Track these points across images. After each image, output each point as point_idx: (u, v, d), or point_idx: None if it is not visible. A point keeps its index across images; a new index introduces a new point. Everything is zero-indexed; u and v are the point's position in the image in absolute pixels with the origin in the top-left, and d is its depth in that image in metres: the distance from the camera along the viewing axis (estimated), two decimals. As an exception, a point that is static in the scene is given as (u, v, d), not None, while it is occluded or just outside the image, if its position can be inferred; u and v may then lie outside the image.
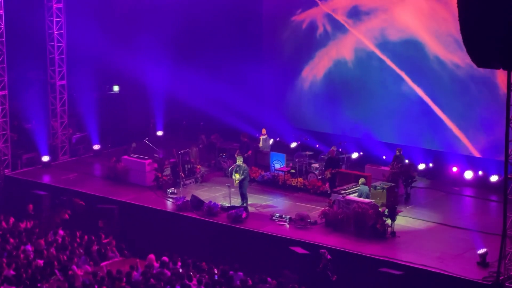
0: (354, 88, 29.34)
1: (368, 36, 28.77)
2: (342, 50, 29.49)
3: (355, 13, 28.99)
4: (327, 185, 25.63)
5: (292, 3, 30.54)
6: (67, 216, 24.69)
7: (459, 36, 13.39)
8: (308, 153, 27.61)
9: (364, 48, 28.86)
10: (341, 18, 29.37)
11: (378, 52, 28.66)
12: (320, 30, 29.91)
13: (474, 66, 15.77)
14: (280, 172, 26.91)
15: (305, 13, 30.21)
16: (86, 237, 22.98)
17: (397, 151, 26.23)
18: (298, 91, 30.62)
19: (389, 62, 28.42)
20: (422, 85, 27.74)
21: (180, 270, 20.11)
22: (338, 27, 29.41)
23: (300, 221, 23.28)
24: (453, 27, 24.96)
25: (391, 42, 28.16)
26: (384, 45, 28.36)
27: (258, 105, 30.76)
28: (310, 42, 30.19)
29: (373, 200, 23.06)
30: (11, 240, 22.18)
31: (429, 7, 27.31)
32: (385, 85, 28.49)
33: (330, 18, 29.60)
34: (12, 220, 24.30)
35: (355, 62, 29.18)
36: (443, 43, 27.01)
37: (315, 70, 30.21)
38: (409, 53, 27.77)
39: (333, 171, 25.33)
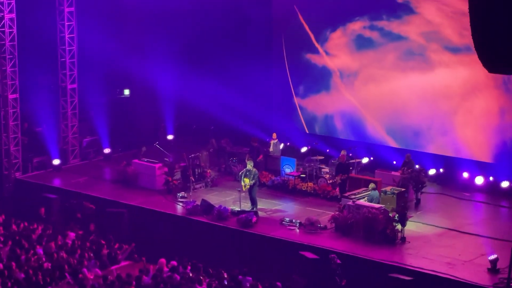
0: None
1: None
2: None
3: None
4: (337, 190, 25.61)
5: (301, 7, 30.60)
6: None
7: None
8: (318, 158, 27.58)
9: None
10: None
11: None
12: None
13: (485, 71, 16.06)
14: (290, 177, 26.89)
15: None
16: (96, 240, 23.01)
17: (406, 158, 26.20)
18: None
19: (397, 66, 28.44)
20: (432, 89, 27.71)
21: (190, 274, 20.11)
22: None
23: (310, 225, 23.26)
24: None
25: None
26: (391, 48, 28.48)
27: (268, 110, 30.78)
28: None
29: (383, 205, 23.02)
30: (22, 243, 22.20)
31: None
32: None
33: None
34: (22, 223, 24.35)
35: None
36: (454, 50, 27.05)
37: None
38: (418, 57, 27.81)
39: (343, 177, 25.29)
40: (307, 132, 30.77)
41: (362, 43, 29.45)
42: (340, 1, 30.22)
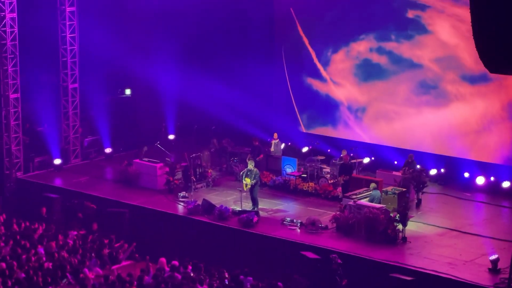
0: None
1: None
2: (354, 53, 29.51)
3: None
4: (339, 189, 25.60)
5: (303, 5, 30.55)
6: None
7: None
8: (319, 157, 27.58)
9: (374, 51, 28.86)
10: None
11: (389, 57, 28.48)
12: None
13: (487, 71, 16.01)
14: (292, 177, 26.90)
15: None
16: (97, 240, 23.02)
17: (409, 158, 26.19)
18: (310, 96, 30.57)
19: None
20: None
21: (191, 274, 20.11)
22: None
23: (311, 225, 23.26)
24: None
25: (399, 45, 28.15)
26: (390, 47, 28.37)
27: (269, 110, 30.78)
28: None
29: (384, 205, 23.02)
30: (23, 242, 22.22)
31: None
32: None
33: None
34: (23, 223, 24.36)
35: (367, 66, 29.05)
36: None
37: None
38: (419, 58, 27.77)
39: (345, 179, 25.27)
40: (304, 131, 30.70)
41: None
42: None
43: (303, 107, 30.79)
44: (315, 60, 30.14)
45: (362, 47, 29.00)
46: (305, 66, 30.50)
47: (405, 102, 28.22)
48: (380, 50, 28.56)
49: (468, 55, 26.19)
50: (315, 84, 30.27)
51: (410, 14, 27.70)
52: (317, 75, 30.23)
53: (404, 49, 28.01)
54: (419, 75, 27.75)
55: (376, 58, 28.75)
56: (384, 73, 28.54)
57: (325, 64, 29.98)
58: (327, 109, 29.96)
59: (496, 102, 25.98)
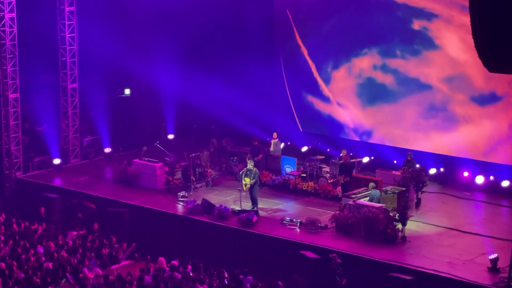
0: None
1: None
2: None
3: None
4: (338, 189, 25.60)
5: (300, 11, 30.49)
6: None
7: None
8: (319, 157, 27.57)
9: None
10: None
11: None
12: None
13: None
14: (291, 176, 26.90)
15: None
16: (97, 240, 23.02)
17: (408, 156, 26.19)
18: (310, 95, 30.56)
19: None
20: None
21: (191, 274, 20.11)
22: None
23: (310, 225, 23.27)
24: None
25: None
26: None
27: (269, 109, 30.77)
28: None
29: (384, 205, 23.03)
30: (22, 242, 22.22)
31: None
32: (397, 89, 28.29)
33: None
34: (23, 223, 24.36)
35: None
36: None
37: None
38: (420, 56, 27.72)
39: (346, 180, 25.25)
40: (301, 130, 30.68)
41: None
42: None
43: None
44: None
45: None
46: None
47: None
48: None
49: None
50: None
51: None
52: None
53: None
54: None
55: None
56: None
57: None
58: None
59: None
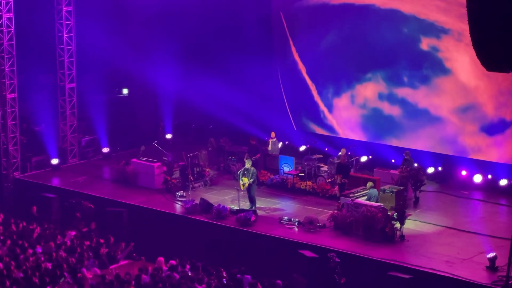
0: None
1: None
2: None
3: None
4: (336, 188, 25.60)
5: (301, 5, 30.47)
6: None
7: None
8: (317, 156, 27.57)
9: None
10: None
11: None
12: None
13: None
14: (289, 176, 26.90)
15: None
16: (95, 239, 23.02)
17: (405, 155, 26.18)
18: (307, 94, 30.55)
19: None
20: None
21: (189, 273, 20.11)
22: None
23: (309, 224, 23.27)
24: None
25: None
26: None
27: (267, 109, 30.77)
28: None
29: (382, 204, 23.03)
30: (20, 242, 22.21)
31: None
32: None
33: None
34: (21, 223, 24.36)
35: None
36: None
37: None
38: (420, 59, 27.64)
39: (342, 180, 25.23)
40: (295, 129, 30.63)
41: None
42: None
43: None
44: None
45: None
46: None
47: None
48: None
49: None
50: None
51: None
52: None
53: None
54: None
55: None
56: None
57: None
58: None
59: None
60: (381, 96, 27.79)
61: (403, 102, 27.34)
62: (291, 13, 30.11)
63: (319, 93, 29.37)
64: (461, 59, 25.87)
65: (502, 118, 25.49)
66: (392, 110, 27.70)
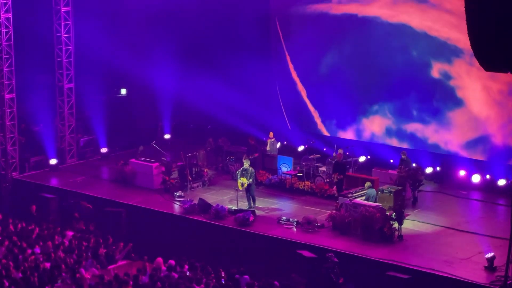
0: (362, 90, 28.80)
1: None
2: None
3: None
4: (334, 188, 25.62)
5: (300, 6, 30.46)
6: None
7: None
8: (315, 156, 27.58)
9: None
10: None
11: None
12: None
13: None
14: (288, 176, 26.91)
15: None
16: (93, 239, 23.01)
17: (402, 155, 26.19)
18: (306, 94, 30.55)
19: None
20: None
21: (188, 273, 20.11)
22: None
23: (307, 224, 23.28)
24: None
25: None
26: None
27: (265, 109, 30.77)
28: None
29: (380, 204, 23.03)
30: (19, 243, 22.20)
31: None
32: (392, 87, 28.15)
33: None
34: (20, 223, 24.35)
35: (362, 64, 28.78)
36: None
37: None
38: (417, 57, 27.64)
39: (339, 177, 25.26)
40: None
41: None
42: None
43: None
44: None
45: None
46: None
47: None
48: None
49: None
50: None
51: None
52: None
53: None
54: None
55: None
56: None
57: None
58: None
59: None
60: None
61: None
62: (287, 19, 30.16)
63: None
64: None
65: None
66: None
